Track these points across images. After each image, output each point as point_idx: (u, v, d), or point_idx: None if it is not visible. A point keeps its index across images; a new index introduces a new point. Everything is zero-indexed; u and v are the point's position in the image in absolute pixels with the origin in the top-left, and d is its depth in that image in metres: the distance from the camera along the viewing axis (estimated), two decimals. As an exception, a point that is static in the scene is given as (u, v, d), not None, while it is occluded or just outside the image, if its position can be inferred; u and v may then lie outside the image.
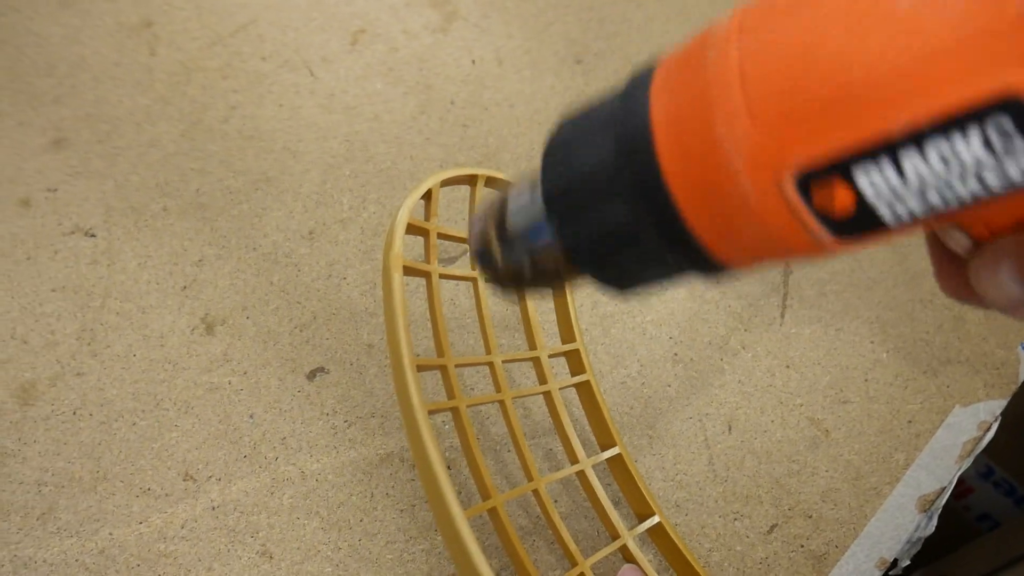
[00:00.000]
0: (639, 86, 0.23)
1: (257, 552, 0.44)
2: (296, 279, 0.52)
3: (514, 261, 0.27)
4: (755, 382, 0.53)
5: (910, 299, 0.58)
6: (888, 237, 0.19)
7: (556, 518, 0.42)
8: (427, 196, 0.45)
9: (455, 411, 0.41)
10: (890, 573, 0.49)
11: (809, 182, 0.19)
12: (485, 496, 0.40)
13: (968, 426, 0.53)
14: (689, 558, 0.44)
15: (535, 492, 0.42)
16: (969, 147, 0.17)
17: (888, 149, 0.17)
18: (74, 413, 0.47)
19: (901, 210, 0.18)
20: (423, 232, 0.44)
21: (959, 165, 0.17)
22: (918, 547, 0.50)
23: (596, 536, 0.47)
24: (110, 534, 0.43)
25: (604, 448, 0.47)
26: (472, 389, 0.51)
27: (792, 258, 0.21)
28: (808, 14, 0.19)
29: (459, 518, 0.35)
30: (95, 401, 0.47)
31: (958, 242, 0.22)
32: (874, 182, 0.18)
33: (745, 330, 0.55)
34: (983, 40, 0.16)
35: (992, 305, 0.21)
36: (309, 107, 0.59)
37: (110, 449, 0.46)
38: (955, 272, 0.23)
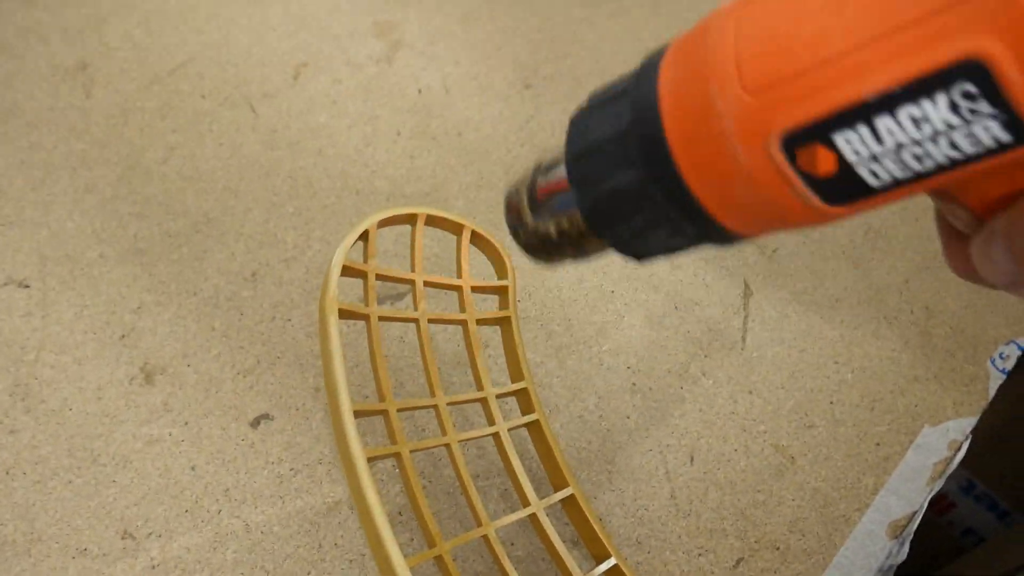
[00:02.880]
0: (651, 62, 0.25)
1: (197, 613, 0.42)
2: (239, 323, 0.51)
3: (541, 227, 0.30)
4: (717, 410, 0.52)
5: (874, 316, 0.57)
6: (877, 201, 0.21)
7: (507, 564, 0.40)
8: (365, 236, 0.43)
9: (398, 457, 0.40)
10: (863, 603, 0.47)
11: (794, 145, 0.20)
12: (431, 544, 0.39)
13: (938, 446, 0.52)
14: None
15: (484, 538, 0.40)
16: (937, 110, 0.18)
17: (863, 114, 0.19)
18: (7, 473, 0.45)
19: (882, 172, 0.20)
20: (361, 274, 0.43)
21: (930, 127, 0.18)
22: (890, 575, 0.48)
23: (554, 579, 0.45)
24: (42, 601, 0.41)
25: (558, 488, 0.45)
26: (424, 430, 0.49)
27: (790, 223, 0.23)
28: None
29: (400, 568, 0.34)
30: (29, 459, 0.45)
31: (961, 219, 0.23)
32: (853, 145, 0.19)
33: (705, 356, 0.54)
34: (945, 10, 0.17)
35: (991, 283, 0.22)
36: (251, 144, 0.57)
37: (45, 509, 0.44)
38: (961, 250, 0.24)
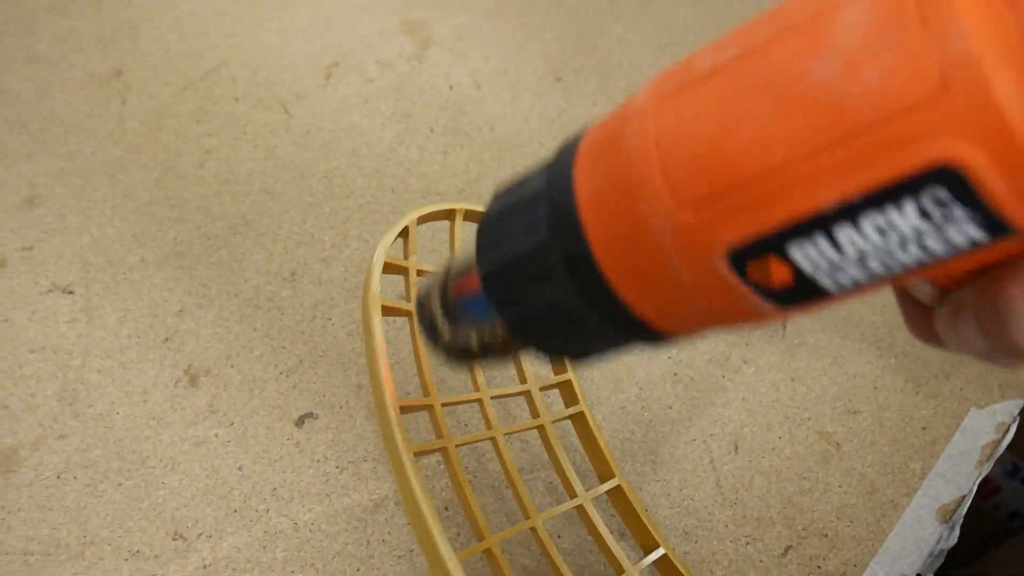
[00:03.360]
0: (565, 161, 0.22)
1: (250, 612, 0.42)
2: (280, 323, 0.51)
3: (461, 337, 0.27)
4: (760, 398, 0.51)
5: (916, 300, 0.56)
6: (835, 302, 0.19)
7: (556, 556, 0.40)
8: (404, 233, 0.44)
9: (444, 451, 0.40)
10: (914, 589, 0.47)
11: (743, 259, 0.18)
12: (480, 537, 0.39)
13: (985, 429, 0.51)
14: None
15: (533, 530, 0.40)
16: (905, 218, 0.16)
17: (820, 225, 0.17)
18: (58, 477, 0.45)
19: (843, 279, 0.18)
20: (402, 270, 0.43)
21: (897, 236, 0.16)
22: (941, 560, 0.47)
23: (603, 571, 0.45)
24: (98, 602, 0.42)
25: (603, 479, 0.45)
26: (467, 425, 0.49)
27: (740, 326, 0.20)
28: (725, 85, 0.18)
29: (451, 562, 0.34)
30: (79, 463, 0.46)
31: (922, 291, 0.21)
32: (810, 257, 0.17)
33: (746, 344, 0.53)
34: (906, 112, 0.15)
35: (957, 352, 0.20)
36: (285, 146, 0.57)
37: (96, 512, 0.44)
38: (923, 318, 0.22)
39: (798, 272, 0.18)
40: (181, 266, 0.52)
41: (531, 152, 0.60)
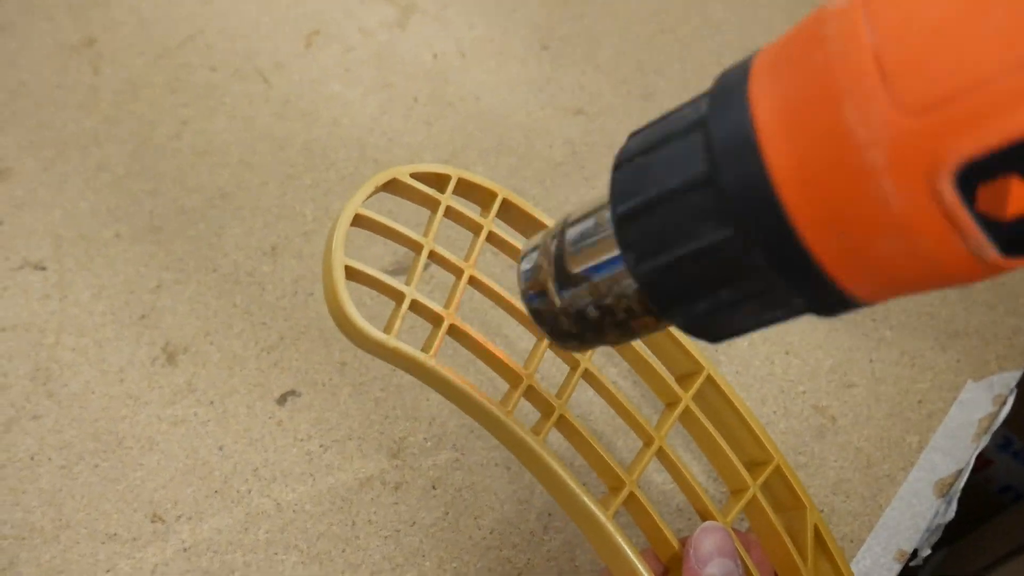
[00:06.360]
0: (734, 79, 0.19)
1: (232, 595, 0.41)
2: (260, 299, 0.49)
3: (575, 306, 0.23)
4: (753, 372, 0.50)
5: (911, 271, 0.55)
6: None
7: (688, 475, 0.38)
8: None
9: (561, 419, 0.37)
10: (911, 564, 0.46)
11: (976, 179, 0.15)
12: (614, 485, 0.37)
13: (983, 401, 0.50)
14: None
15: (660, 451, 0.37)
16: None
17: None
18: (32, 459, 0.44)
19: None
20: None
21: None
22: (938, 534, 0.47)
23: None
24: (74, 587, 0.41)
25: (692, 374, 0.40)
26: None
27: (941, 282, 0.17)
28: None
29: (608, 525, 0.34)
30: (53, 444, 0.44)
31: None
32: None
33: (739, 317, 0.52)
34: None
35: None
36: (264, 116, 0.56)
37: (72, 495, 0.43)
38: None
39: None
40: (157, 241, 0.51)
41: (517, 122, 0.58)
